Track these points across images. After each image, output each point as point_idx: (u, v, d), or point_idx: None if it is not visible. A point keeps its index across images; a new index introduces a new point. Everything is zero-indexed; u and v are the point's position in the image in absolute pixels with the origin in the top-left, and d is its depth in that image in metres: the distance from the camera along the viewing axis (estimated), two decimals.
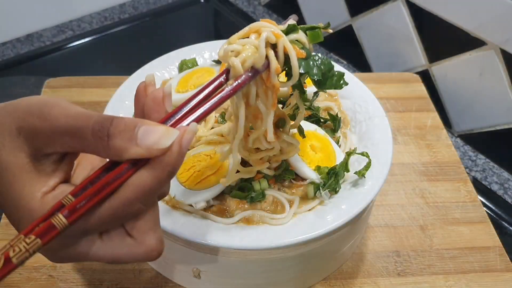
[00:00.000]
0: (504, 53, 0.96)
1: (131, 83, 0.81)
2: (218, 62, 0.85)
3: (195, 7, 1.50)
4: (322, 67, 0.56)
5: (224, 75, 0.51)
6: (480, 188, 0.98)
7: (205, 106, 0.47)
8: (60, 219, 0.38)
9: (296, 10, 1.36)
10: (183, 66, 0.87)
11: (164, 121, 0.44)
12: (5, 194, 0.41)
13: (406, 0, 1.10)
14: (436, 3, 1.04)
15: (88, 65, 1.26)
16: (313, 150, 0.71)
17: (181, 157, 0.41)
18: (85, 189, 0.40)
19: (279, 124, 0.62)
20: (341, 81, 0.59)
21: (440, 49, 1.09)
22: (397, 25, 1.15)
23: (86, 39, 1.32)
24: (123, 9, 1.45)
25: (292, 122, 0.64)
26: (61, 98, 0.42)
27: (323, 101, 0.82)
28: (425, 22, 1.09)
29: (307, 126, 0.74)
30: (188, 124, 0.44)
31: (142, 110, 0.45)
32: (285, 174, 0.69)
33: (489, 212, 0.93)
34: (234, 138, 0.58)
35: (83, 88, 1.05)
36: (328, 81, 0.58)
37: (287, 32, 0.54)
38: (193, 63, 0.87)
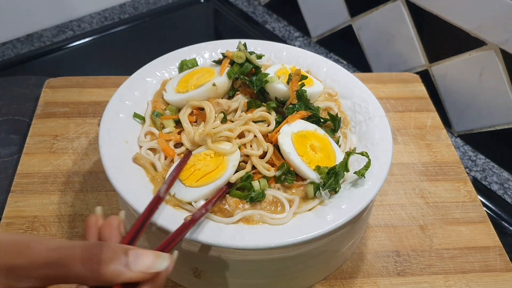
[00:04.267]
0: (503, 53, 0.96)
1: (131, 83, 0.81)
2: (218, 62, 0.85)
3: (195, 7, 1.50)
4: None
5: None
6: (480, 188, 0.98)
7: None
8: None
9: (296, 10, 1.36)
10: (183, 66, 0.87)
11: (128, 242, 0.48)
12: None
13: (406, 0, 1.10)
14: (436, 3, 1.04)
15: (88, 65, 1.26)
16: (313, 150, 0.71)
17: (166, 280, 0.43)
18: None
19: None
20: None
21: (440, 49, 1.09)
22: (397, 25, 1.15)
23: (86, 39, 1.32)
24: (123, 9, 1.45)
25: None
26: (31, 235, 0.42)
27: (323, 101, 0.82)
28: (425, 22, 1.09)
29: (307, 126, 0.74)
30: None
31: (96, 239, 0.47)
32: (287, 175, 0.69)
33: (489, 212, 0.93)
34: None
35: (83, 88, 1.05)
36: None
37: None
38: (193, 63, 0.88)
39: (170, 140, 0.73)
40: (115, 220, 0.49)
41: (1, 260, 0.40)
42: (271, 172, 0.68)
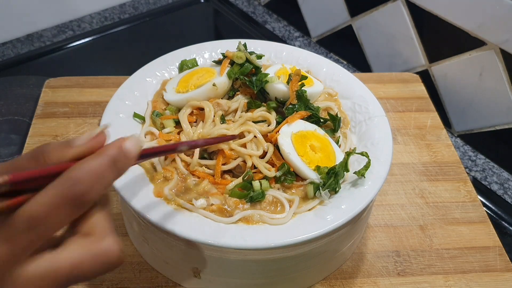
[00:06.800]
0: (503, 53, 0.96)
1: (131, 83, 0.81)
2: (218, 62, 0.85)
3: (195, 7, 1.50)
4: None
5: None
6: (480, 188, 0.98)
7: None
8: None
9: (296, 10, 1.36)
10: (183, 66, 0.87)
11: None
12: None
13: (406, 0, 1.10)
14: (436, 3, 1.04)
15: (88, 65, 1.27)
16: (313, 150, 0.71)
17: (125, 156, 0.41)
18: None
19: None
20: None
21: (440, 49, 1.09)
22: (397, 25, 1.15)
23: (86, 39, 1.32)
24: (123, 9, 1.45)
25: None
26: None
27: (323, 101, 0.82)
28: (425, 22, 1.09)
29: (307, 126, 0.74)
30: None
31: None
32: (287, 176, 0.69)
33: (489, 212, 0.93)
34: None
35: (83, 88, 1.05)
36: None
37: None
38: (193, 63, 0.88)
39: (170, 140, 0.73)
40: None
41: None
42: (272, 173, 0.69)
